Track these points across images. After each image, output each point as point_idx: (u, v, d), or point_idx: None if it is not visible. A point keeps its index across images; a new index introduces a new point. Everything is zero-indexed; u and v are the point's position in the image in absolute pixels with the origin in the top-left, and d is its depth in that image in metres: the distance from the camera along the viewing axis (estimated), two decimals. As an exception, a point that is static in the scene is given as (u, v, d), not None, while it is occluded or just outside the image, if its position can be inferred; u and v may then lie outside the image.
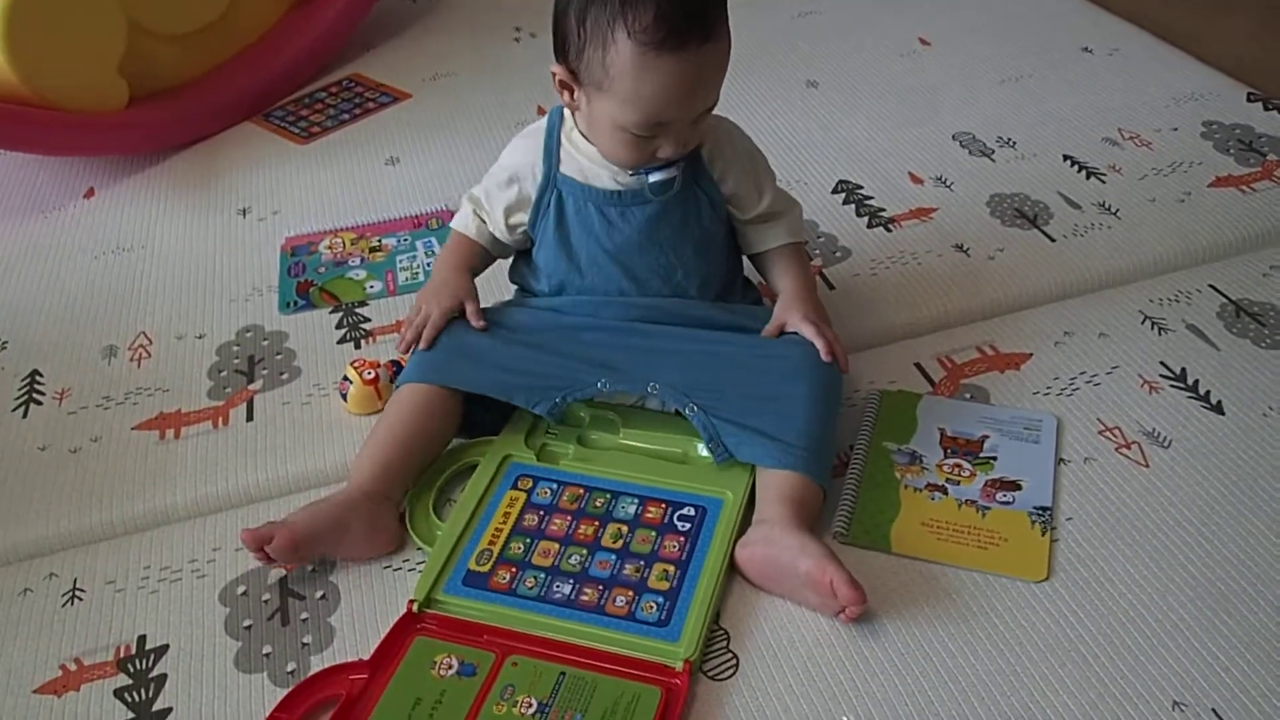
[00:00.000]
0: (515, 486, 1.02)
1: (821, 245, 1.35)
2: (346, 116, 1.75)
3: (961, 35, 1.83)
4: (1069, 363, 1.15)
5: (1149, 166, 1.45)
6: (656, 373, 1.02)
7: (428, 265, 1.36)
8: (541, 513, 0.99)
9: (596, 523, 0.98)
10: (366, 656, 0.89)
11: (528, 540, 0.97)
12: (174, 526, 1.06)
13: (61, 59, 1.52)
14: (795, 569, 0.89)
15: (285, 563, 0.97)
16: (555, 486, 1.02)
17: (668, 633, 0.88)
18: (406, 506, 1.01)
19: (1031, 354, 1.17)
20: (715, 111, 1.00)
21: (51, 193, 1.62)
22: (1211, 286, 1.24)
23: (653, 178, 1.01)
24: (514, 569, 0.95)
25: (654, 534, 0.97)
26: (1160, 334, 1.18)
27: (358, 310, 1.31)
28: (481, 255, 1.13)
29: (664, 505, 0.99)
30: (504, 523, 0.99)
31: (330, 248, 1.43)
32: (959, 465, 1.04)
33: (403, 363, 1.16)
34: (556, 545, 0.96)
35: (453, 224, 1.14)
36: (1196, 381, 1.12)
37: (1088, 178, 1.44)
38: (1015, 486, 1.01)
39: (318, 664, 0.91)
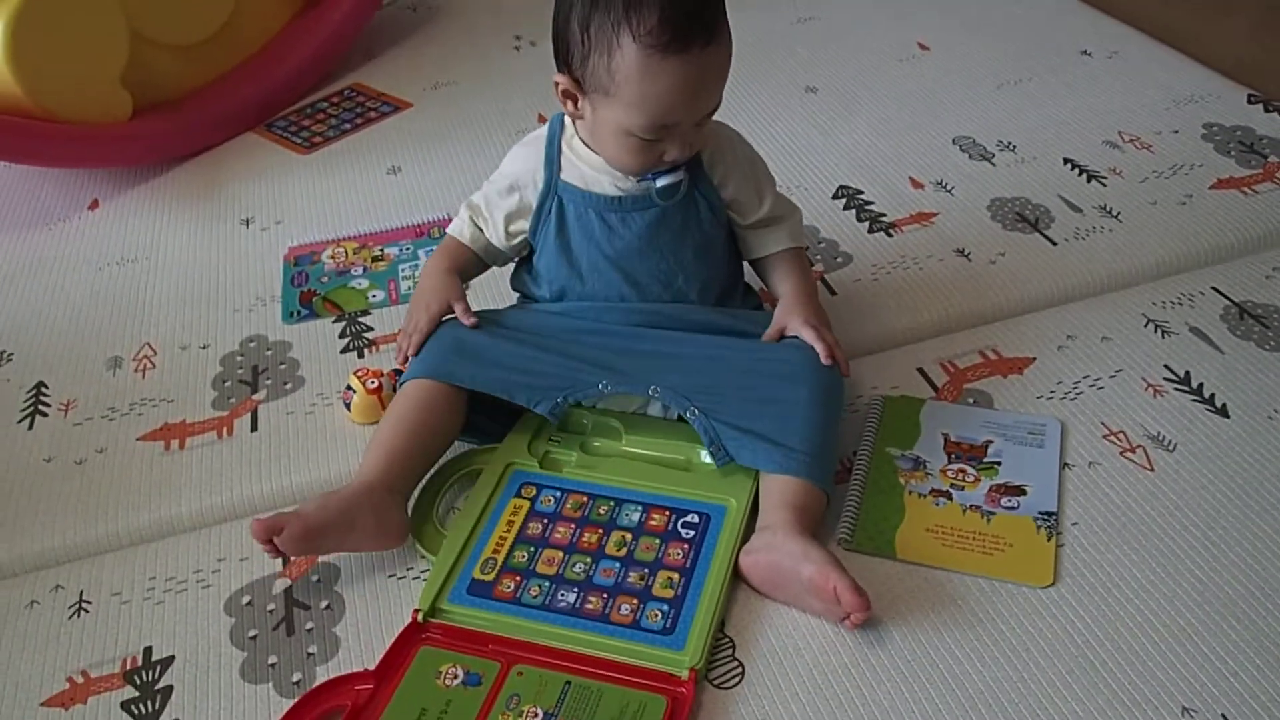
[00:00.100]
0: (519, 494, 1.02)
1: (823, 251, 1.35)
2: (348, 126, 1.76)
3: (960, 39, 1.83)
4: (1072, 367, 1.15)
5: (1150, 169, 1.45)
6: (658, 376, 1.03)
7: (430, 274, 1.37)
8: (545, 521, 1.00)
9: (600, 530, 0.98)
10: (372, 666, 0.89)
11: (532, 549, 0.97)
12: (179, 537, 1.06)
13: (65, 71, 1.53)
14: (798, 575, 0.89)
15: (293, 555, 0.95)
16: (559, 494, 1.02)
17: (673, 641, 0.88)
18: (411, 517, 1.01)
19: (1034, 358, 1.17)
20: (715, 117, 1.00)
21: (56, 204, 1.62)
22: (1214, 289, 1.24)
23: (660, 182, 1.01)
24: (518, 578, 0.95)
25: (658, 541, 0.97)
26: (1164, 337, 1.18)
27: (360, 319, 1.31)
28: (473, 262, 1.13)
29: (668, 512, 0.99)
30: (508, 531, 0.99)
31: (333, 257, 1.43)
32: (963, 470, 1.04)
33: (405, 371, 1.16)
34: (560, 553, 0.96)
35: (449, 229, 1.14)
36: (1201, 385, 1.12)
37: (1089, 181, 1.44)
38: (1020, 491, 1.01)
39: (323, 674, 0.91)
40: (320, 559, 1.00)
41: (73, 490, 1.11)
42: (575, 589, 0.93)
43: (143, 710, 0.90)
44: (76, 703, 0.91)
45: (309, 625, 0.95)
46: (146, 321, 1.35)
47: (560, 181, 1.05)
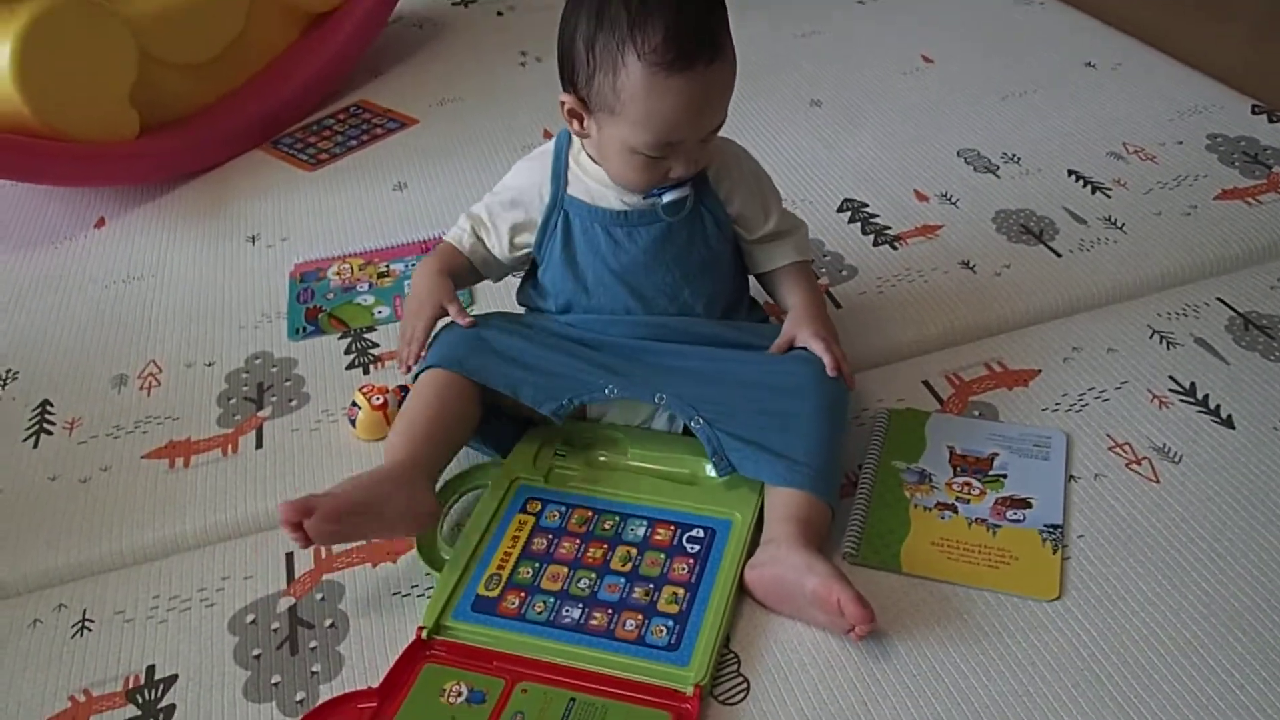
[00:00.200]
0: (524, 510, 1.02)
1: (828, 264, 1.35)
2: (354, 143, 1.76)
3: (964, 52, 1.83)
4: (1078, 378, 1.15)
5: (1154, 180, 1.45)
6: (664, 384, 1.02)
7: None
8: (550, 536, 0.99)
9: (605, 545, 0.98)
10: (376, 684, 0.89)
11: (536, 564, 0.97)
12: (183, 555, 1.06)
13: (73, 90, 1.53)
14: (803, 588, 0.89)
15: (321, 541, 0.92)
16: (564, 509, 1.02)
17: (678, 657, 0.88)
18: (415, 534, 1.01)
19: (1040, 370, 1.16)
20: (721, 132, 1.01)
21: (62, 223, 1.63)
22: (1219, 300, 1.24)
23: (666, 198, 1.01)
24: (523, 594, 0.94)
25: (663, 556, 0.97)
26: (1169, 348, 1.18)
27: (366, 336, 1.31)
28: (467, 270, 1.13)
29: (673, 527, 0.99)
30: (513, 547, 0.99)
31: (339, 273, 1.43)
32: (969, 483, 1.04)
33: (410, 388, 1.16)
34: (565, 569, 0.96)
35: (446, 236, 1.13)
36: (1206, 396, 1.11)
37: (1093, 192, 1.44)
38: (1025, 504, 1.01)
39: (327, 693, 0.90)
40: (324, 576, 1.00)
41: (77, 508, 1.11)
42: (580, 605, 0.93)
43: (146, 729, 0.90)
44: (80, 721, 0.91)
45: (313, 644, 0.95)
46: (152, 339, 1.36)
47: (567, 196, 1.06)
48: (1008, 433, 1.09)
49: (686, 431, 1.04)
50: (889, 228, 1.41)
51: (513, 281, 1.19)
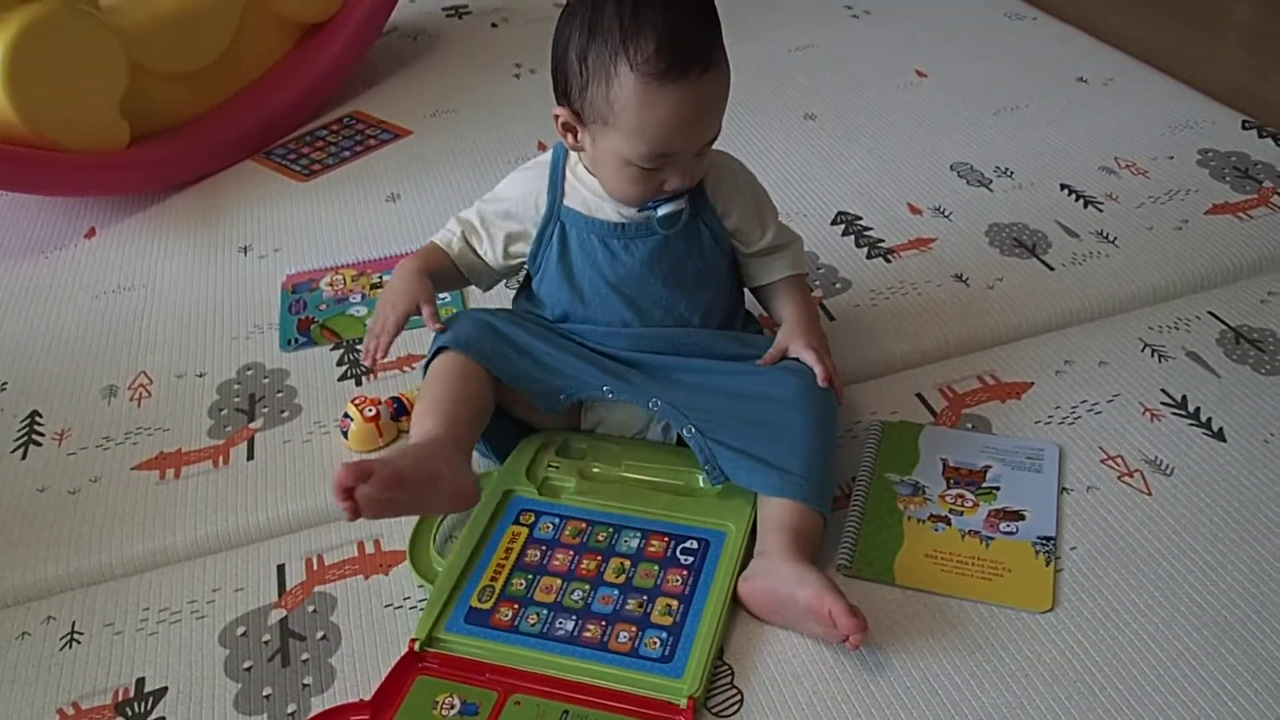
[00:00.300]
0: (517, 521, 1.02)
1: (821, 277, 1.35)
2: (347, 154, 1.76)
3: (957, 67, 1.84)
4: (1070, 391, 1.15)
5: (1146, 195, 1.46)
6: (659, 392, 1.02)
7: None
8: (544, 548, 0.99)
9: (599, 557, 0.98)
10: (368, 697, 0.88)
11: (530, 576, 0.96)
12: (173, 567, 1.05)
13: (63, 99, 1.53)
14: (795, 600, 0.89)
15: (370, 514, 0.88)
16: (557, 521, 1.01)
17: (671, 669, 0.88)
18: (408, 546, 1.01)
19: (1032, 383, 1.17)
20: (715, 146, 1.01)
21: (52, 233, 1.62)
22: (1211, 313, 1.24)
23: (661, 210, 1.01)
24: (516, 606, 0.94)
25: (657, 568, 0.96)
26: (1160, 361, 1.18)
27: (359, 347, 1.31)
28: (451, 273, 1.11)
29: (667, 539, 0.99)
30: (506, 559, 0.98)
31: (331, 285, 1.43)
32: (962, 496, 1.04)
33: (404, 399, 1.16)
34: (559, 581, 0.96)
35: (434, 238, 1.12)
36: (1198, 409, 1.12)
37: (1085, 206, 1.45)
38: (1018, 516, 1.01)
39: (318, 705, 0.90)
40: (316, 588, 1.00)
41: (66, 520, 1.10)
42: (573, 617, 0.93)
43: (136, 741, 0.89)
44: (69, 734, 0.91)
45: (304, 656, 0.94)
46: (143, 349, 1.35)
47: (563, 207, 1.06)
48: (1001, 445, 1.09)
49: (680, 444, 1.04)
50: (882, 241, 1.41)
51: (502, 290, 1.19)
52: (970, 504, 1.03)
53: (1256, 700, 0.84)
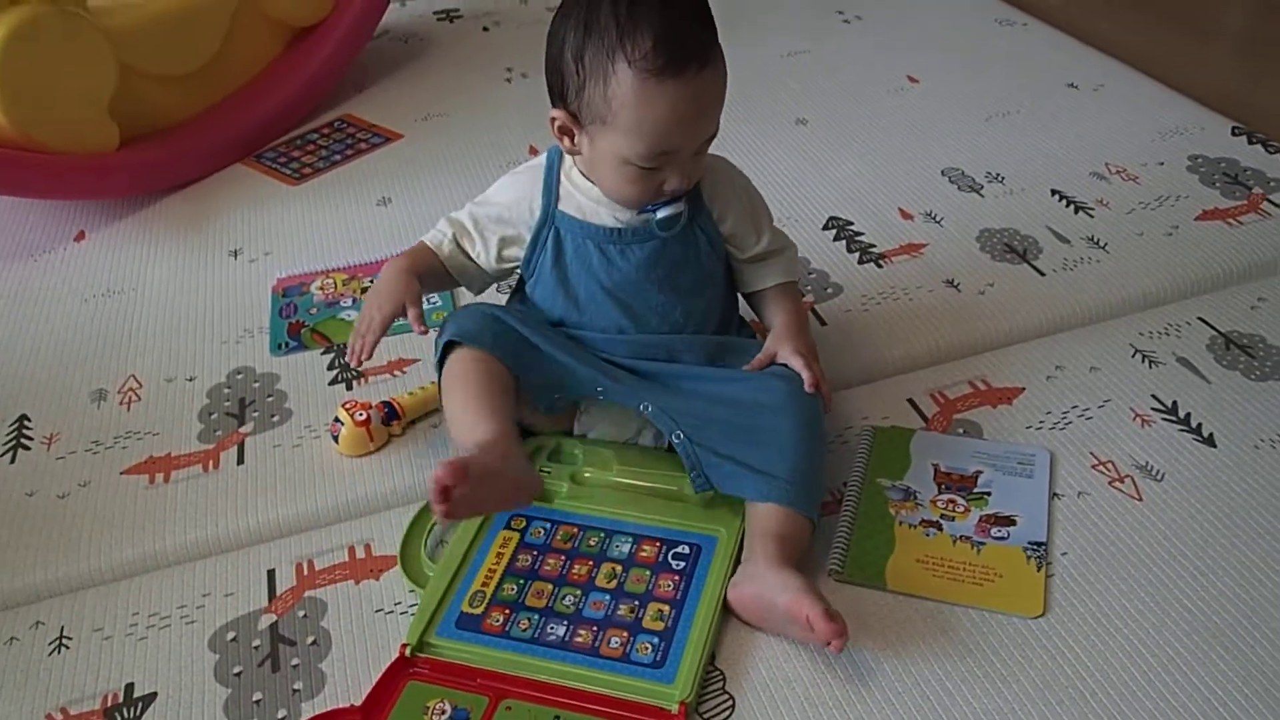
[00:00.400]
0: (508, 526, 1.02)
1: (813, 282, 1.35)
2: (338, 157, 1.76)
3: (949, 73, 1.84)
4: (1061, 397, 1.15)
5: (1136, 200, 1.46)
6: (650, 396, 1.02)
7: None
8: (535, 553, 0.99)
9: (590, 562, 0.98)
10: (358, 702, 0.88)
11: (521, 581, 0.96)
12: (163, 572, 1.05)
13: (52, 102, 1.52)
14: (776, 605, 0.89)
15: (461, 513, 0.89)
16: (549, 526, 1.01)
17: (663, 674, 0.88)
18: (399, 550, 1.01)
19: (1024, 388, 1.17)
20: (710, 152, 1.01)
21: (41, 236, 1.61)
22: (1201, 319, 1.25)
23: (661, 213, 1.01)
24: (507, 611, 0.94)
25: (648, 573, 0.96)
26: (1151, 367, 1.18)
27: (349, 351, 1.31)
28: (439, 274, 1.11)
29: (658, 544, 0.99)
30: (497, 563, 0.98)
31: (322, 289, 1.43)
32: (953, 501, 1.04)
33: (395, 403, 1.15)
34: (550, 586, 0.96)
35: (424, 238, 1.12)
36: (1188, 414, 1.12)
37: (1076, 212, 1.45)
38: (1010, 522, 1.01)
39: (309, 710, 0.89)
40: (306, 593, 1.00)
41: (55, 525, 1.09)
42: (565, 622, 0.93)
43: (125, 747, 0.89)
44: (57, 740, 0.90)
45: (295, 661, 0.94)
46: (132, 353, 1.34)
47: (558, 212, 1.05)
48: (992, 450, 1.09)
49: (672, 450, 1.04)
50: (874, 246, 1.41)
51: (493, 294, 1.19)
52: (961, 509, 1.03)
53: (1246, 705, 0.84)
